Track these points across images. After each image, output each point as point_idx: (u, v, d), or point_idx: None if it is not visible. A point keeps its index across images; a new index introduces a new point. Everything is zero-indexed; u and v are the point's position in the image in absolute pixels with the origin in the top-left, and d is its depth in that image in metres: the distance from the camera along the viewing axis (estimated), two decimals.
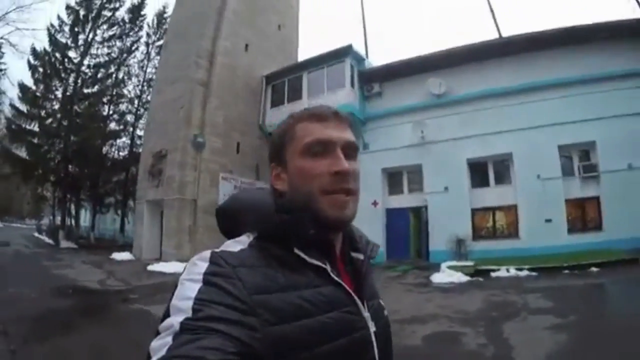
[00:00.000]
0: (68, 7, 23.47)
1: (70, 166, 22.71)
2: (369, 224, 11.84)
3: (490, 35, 18.60)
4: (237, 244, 0.62)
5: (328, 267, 0.64)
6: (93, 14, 23.85)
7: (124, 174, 23.46)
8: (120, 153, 24.75)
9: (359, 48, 15.34)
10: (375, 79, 14.79)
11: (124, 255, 15.41)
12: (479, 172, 13.39)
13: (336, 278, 0.64)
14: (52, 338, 4.93)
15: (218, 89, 15.28)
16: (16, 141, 22.67)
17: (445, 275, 9.77)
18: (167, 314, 0.52)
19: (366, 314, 0.66)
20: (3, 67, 21.80)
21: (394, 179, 14.67)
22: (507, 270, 9.83)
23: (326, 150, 0.66)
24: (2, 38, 19.29)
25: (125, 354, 4.07)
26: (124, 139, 25.00)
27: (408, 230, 13.91)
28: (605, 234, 11.05)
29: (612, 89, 11.36)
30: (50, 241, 22.74)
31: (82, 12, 23.57)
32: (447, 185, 13.03)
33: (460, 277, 9.56)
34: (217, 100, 15.16)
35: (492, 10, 16.88)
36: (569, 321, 5.44)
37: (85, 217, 26.49)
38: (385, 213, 14.09)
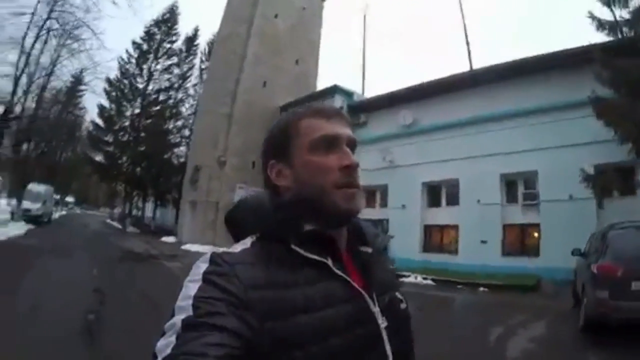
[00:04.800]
0: (134, 43, 29.47)
1: (137, 169, 28.89)
2: None
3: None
4: (240, 245, 0.63)
5: (329, 262, 0.62)
6: (154, 47, 29.65)
7: (181, 177, 26.64)
8: (180, 159, 29.64)
9: (353, 83, 18.79)
10: (361, 110, 17.93)
11: (170, 239, 20.91)
12: (434, 193, 15.46)
13: (340, 273, 0.62)
14: (114, 267, 10.30)
15: (238, 119, 19.93)
16: (95, 149, 29.38)
17: None
18: (172, 315, 0.53)
19: (375, 309, 0.64)
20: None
21: (371, 196, 16.87)
22: (415, 278, 11.38)
23: (334, 145, 0.66)
24: (87, 84, 27.50)
25: (144, 275, 9.59)
26: (182, 148, 30.49)
27: None
28: (541, 260, 11.44)
29: (557, 120, 11.79)
30: (119, 226, 29.22)
31: (144, 47, 29.46)
32: (405, 203, 15.40)
33: None
34: (237, 128, 19.83)
35: (467, 44, 19.47)
36: None
37: (150, 209, 32.59)
38: None
